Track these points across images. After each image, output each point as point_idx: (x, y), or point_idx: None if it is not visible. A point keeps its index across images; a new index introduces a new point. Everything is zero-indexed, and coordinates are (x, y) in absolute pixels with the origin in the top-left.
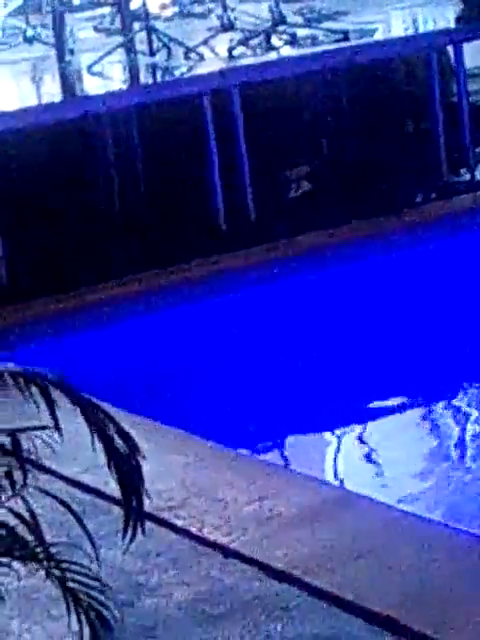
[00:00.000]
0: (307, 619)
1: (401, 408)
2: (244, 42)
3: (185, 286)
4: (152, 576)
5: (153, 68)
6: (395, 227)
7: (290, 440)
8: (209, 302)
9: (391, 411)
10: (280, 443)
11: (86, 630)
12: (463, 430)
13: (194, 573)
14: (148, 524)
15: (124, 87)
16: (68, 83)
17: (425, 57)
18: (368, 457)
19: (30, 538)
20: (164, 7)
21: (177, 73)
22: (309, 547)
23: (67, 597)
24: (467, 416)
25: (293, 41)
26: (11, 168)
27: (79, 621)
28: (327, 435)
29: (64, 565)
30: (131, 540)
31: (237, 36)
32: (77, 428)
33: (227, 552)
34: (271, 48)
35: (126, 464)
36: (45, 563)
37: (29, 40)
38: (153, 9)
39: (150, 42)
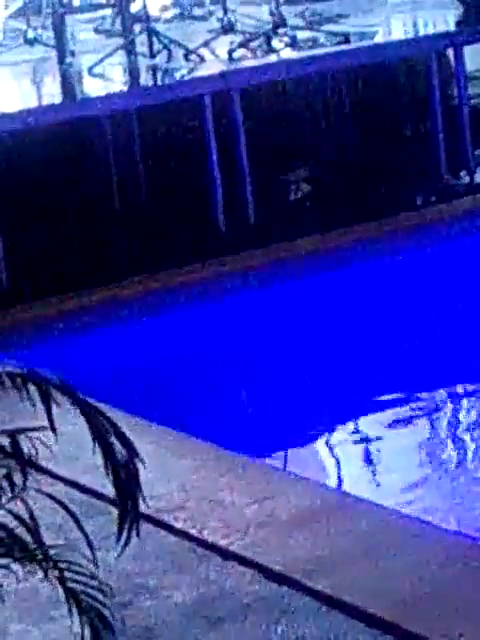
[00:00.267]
0: (306, 622)
1: (401, 411)
2: (244, 44)
3: (184, 289)
4: (151, 578)
5: (153, 70)
6: (395, 230)
7: (289, 443)
8: (208, 305)
9: (390, 414)
10: (279, 446)
11: (87, 631)
12: (462, 433)
13: (193, 575)
14: (147, 526)
15: (124, 89)
16: (68, 85)
17: (425, 60)
18: (367, 460)
19: (29, 540)
20: (165, 9)
21: (177, 75)
22: (308, 550)
23: (68, 598)
24: (467, 419)
25: (293, 44)
26: (11, 169)
27: (80, 622)
28: (326, 438)
29: (63, 566)
30: (125, 544)
31: (237, 38)
32: (77, 429)
33: (226, 554)
34: (271, 50)
35: (124, 469)
36: (44, 564)
37: (30, 42)
38: (154, 11)
39: (150, 44)
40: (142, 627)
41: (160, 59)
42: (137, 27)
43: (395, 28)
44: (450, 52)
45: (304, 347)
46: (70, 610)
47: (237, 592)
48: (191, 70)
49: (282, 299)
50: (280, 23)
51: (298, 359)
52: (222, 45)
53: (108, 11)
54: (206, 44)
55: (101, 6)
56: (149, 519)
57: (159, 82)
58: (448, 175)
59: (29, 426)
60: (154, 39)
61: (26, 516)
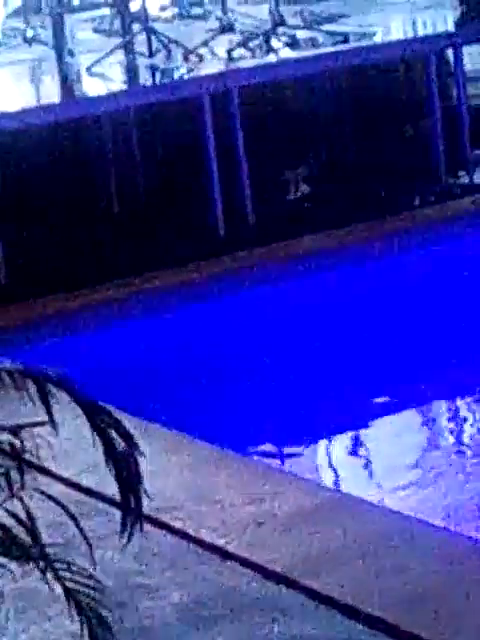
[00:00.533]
0: (304, 621)
1: (399, 411)
2: (243, 44)
3: (183, 288)
4: (149, 578)
5: (152, 69)
6: (393, 230)
7: (287, 443)
8: (207, 305)
9: (389, 414)
10: (277, 446)
11: (85, 630)
12: (461, 434)
13: (191, 575)
14: (145, 526)
15: (123, 88)
16: (67, 84)
17: (424, 60)
18: (365, 460)
19: (27, 539)
20: (164, 8)
21: (176, 75)
22: (306, 550)
23: (66, 597)
24: (466, 420)
25: (293, 43)
26: (10, 168)
27: (79, 621)
28: (324, 438)
29: (60, 566)
30: (129, 539)
31: (236, 38)
32: (76, 429)
33: (224, 554)
34: (270, 50)
35: (125, 463)
36: (41, 564)
37: (29, 41)
38: (153, 11)
39: (149, 43)
40: (140, 626)
41: (159, 59)
42: (136, 26)
43: (394, 28)
44: (449, 52)
45: (303, 346)
46: (69, 609)
47: (234, 591)
48: (190, 70)
49: (281, 299)
50: (279, 23)
51: (297, 358)
52: (221, 45)
53: (107, 11)
54: (205, 44)
55: (100, 6)
56: (147, 518)
57: (158, 82)
58: (447, 175)
59: (30, 422)
60: (153, 39)
61: (24, 515)
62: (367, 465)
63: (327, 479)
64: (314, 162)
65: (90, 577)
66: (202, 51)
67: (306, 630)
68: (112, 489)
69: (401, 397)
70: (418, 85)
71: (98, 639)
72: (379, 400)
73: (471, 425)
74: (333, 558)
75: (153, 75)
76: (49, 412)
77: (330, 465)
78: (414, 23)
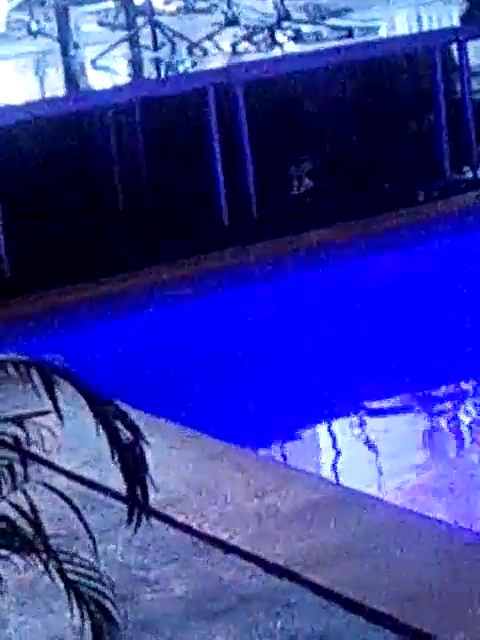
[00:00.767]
0: (306, 615)
1: (402, 405)
2: (248, 38)
3: (187, 281)
4: (152, 571)
5: (157, 63)
6: (397, 225)
7: (291, 437)
8: (211, 298)
9: (392, 408)
10: (281, 440)
11: (88, 622)
12: (464, 430)
13: (194, 568)
14: (148, 519)
15: (128, 82)
16: (72, 77)
17: (429, 55)
18: (368, 454)
19: (30, 531)
20: (168, 2)
21: (181, 68)
22: (309, 544)
23: (68, 589)
24: (468, 414)
25: (297, 37)
26: (15, 161)
27: (81, 614)
28: (327, 432)
29: (63, 558)
30: (135, 530)
31: (241, 32)
32: (80, 422)
33: (227, 548)
34: (275, 44)
35: (130, 453)
36: (44, 556)
37: (33, 34)
38: (157, 4)
39: (154, 37)
40: (143, 619)
41: (163, 52)
42: (141, 20)
43: (399, 23)
44: (454, 47)
45: (306, 340)
46: (70, 602)
47: (237, 585)
48: (194, 63)
49: (284, 292)
50: (284, 17)
51: (300, 352)
52: (226, 38)
53: (112, 4)
54: (210, 37)
55: None
56: (150, 512)
57: (162, 75)
58: (451, 170)
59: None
60: (158, 32)
61: (27, 508)
62: (371, 459)
63: (330, 473)
64: (318, 156)
65: (94, 569)
66: (207, 45)
67: (309, 624)
68: (115, 482)
69: (405, 390)
70: (423, 80)
71: (102, 631)
72: (383, 393)
73: (476, 420)
74: (336, 552)
75: (157, 68)
76: (54, 402)
77: (333, 459)
78: (419, 18)
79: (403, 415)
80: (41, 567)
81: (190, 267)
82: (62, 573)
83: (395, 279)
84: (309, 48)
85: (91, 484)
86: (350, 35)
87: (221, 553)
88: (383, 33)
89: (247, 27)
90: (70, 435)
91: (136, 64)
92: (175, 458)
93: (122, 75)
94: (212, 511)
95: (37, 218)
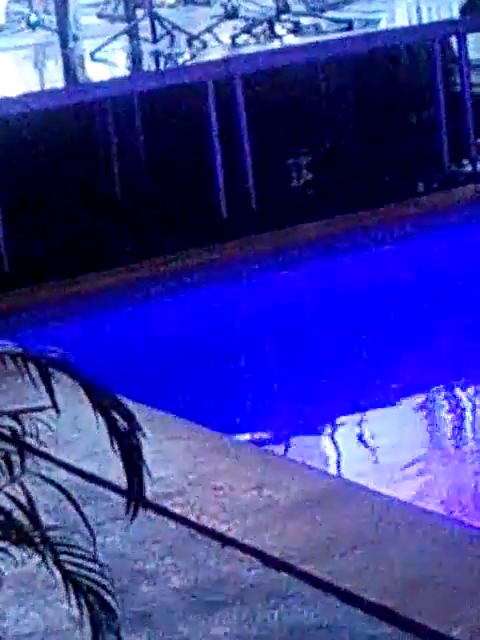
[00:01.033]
0: (304, 608)
1: (401, 398)
2: (247, 30)
3: (186, 274)
4: (150, 563)
5: (156, 55)
6: (396, 217)
7: (289, 429)
8: (210, 290)
9: (391, 401)
10: (279, 432)
11: (86, 614)
12: (463, 422)
13: (191, 561)
14: (147, 512)
15: (127, 74)
16: (71, 69)
17: (428, 47)
18: (367, 447)
19: (27, 523)
20: None
21: (180, 60)
22: (307, 536)
23: (66, 581)
24: (467, 408)
25: (297, 30)
26: (14, 153)
27: (79, 605)
28: (326, 424)
29: (61, 549)
30: (133, 519)
31: (241, 24)
32: (78, 414)
33: (225, 540)
34: (275, 36)
35: (128, 442)
36: (41, 547)
37: (33, 26)
38: None
39: (153, 29)
40: (140, 611)
41: (163, 44)
42: (140, 12)
43: (399, 15)
44: (453, 40)
45: (304, 334)
46: (68, 594)
47: (235, 577)
48: (194, 56)
49: (283, 285)
50: (283, 9)
51: (298, 346)
52: (225, 31)
53: None
54: (209, 30)
55: None
56: (148, 504)
57: (162, 67)
58: (450, 163)
59: (32, 406)
60: (157, 24)
61: (24, 500)
62: (369, 452)
63: (328, 466)
64: (317, 149)
65: (92, 561)
66: (206, 37)
67: (307, 617)
68: (113, 474)
69: (403, 384)
70: (422, 72)
71: (100, 623)
72: (381, 387)
73: (475, 415)
74: (334, 545)
75: (157, 61)
76: (51, 394)
77: (331, 452)
78: (418, 10)
79: (402, 408)
80: (39, 559)
81: (190, 259)
82: (60, 565)
83: (395, 271)
84: (309, 40)
85: (90, 477)
86: (350, 28)
87: (219, 545)
88: (383, 25)
89: (246, 19)
90: (69, 428)
91: (135, 57)
92: (174, 450)
93: (121, 67)
94: (210, 503)
95: (35, 211)
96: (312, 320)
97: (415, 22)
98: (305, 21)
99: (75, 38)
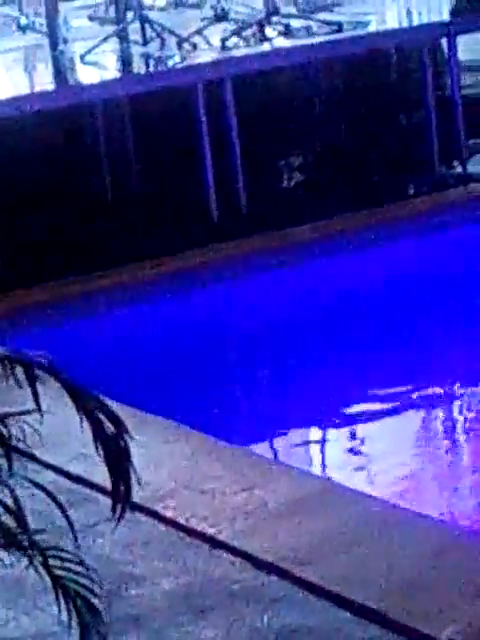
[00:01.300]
0: (294, 611)
1: (392, 401)
2: (237, 32)
3: (176, 276)
4: (139, 566)
5: (146, 58)
6: (386, 219)
7: (278, 432)
8: (200, 293)
9: (381, 403)
10: (268, 435)
11: (74, 618)
12: (455, 424)
13: (181, 564)
14: (135, 515)
15: (117, 76)
16: (61, 72)
17: (419, 49)
18: (357, 450)
19: (14, 526)
20: None
21: (170, 63)
22: (296, 539)
23: (55, 585)
24: (459, 411)
25: (287, 32)
26: (4, 156)
27: (68, 609)
28: (315, 427)
29: (49, 553)
30: (118, 522)
31: (231, 26)
32: (68, 417)
33: (214, 543)
34: (264, 39)
35: (114, 446)
36: (29, 551)
37: (23, 28)
38: None
39: (143, 32)
40: (129, 615)
41: (153, 47)
42: (130, 14)
43: (389, 17)
44: (444, 42)
45: (296, 336)
46: (57, 598)
47: (225, 581)
48: (184, 58)
49: (274, 288)
50: (273, 11)
51: (289, 348)
52: (215, 33)
53: None
54: (199, 32)
55: None
56: (137, 507)
57: (152, 70)
58: (440, 165)
59: (18, 410)
60: (147, 27)
61: (11, 503)
62: (359, 455)
63: (318, 469)
64: (308, 151)
65: (80, 564)
66: (196, 40)
67: (297, 620)
68: (102, 477)
69: (394, 388)
70: (413, 74)
71: (89, 627)
72: (371, 390)
73: (468, 414)
74: (324, 547)
75: (147, 63)
76: (36, 397)
77: (321, 455)
78: (409, 12)
79: (393, 411)
80: (26, 562)
81: (180, 262)
82: (47, 568)
83: (386, 274)
84: (299, 43)
85: (79, 479)
86: (340, 30)
87: (208, 548)
88: (373, 28)
89: (236, 22)
90: (57, 430)
91: (125, 59)
92: (163, 453)
93: (111, 70)
94: (200, 506)
95: (25, 213)
96: (303, 322)
97: (405, 24)
98: (295, 23)
99: (65, 41)
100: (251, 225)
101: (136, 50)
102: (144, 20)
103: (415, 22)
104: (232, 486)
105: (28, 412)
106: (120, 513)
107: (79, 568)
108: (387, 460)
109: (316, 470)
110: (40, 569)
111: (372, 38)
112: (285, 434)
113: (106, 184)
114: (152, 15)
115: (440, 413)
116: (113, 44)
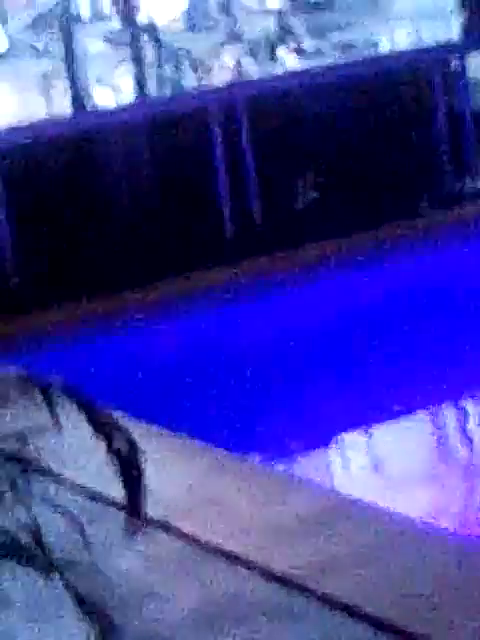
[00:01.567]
0: (313, 626)
1: (405, 415)
2: (251, 54)
3: (193, 295)
4: (158, 583)
5: (161, 80)
6: (400, 236)
7: (296, 447)
8: (216, 311)
9: (395, 417)
10: (286, 450)
11: (92, 635)
12: (467, 437)
13: (199, 580)
14: (153, 531)
15: (132, 99)
16: (77, 96)
17: (429, 68)
18: (373, 464)
19: (33, 545)
20: (173, 20)
21: (184, 85)
22: (314, 553)
23: (74, 603)
24: (472, 423)
25: (299, 53)
26: (23, 179)
27: (86, 626)
28: (332, 442)
29: (66, 569)
30: (132, 538)
31: (244, 48)
32: (86, 435)
33: (232, 558)
34: (277, 60)
35: (127, 464)
36: (47, 568)
37: (39, 54)
38: (162, 22)
39: (158, 54)
40: (149, 631)
41: (167, 69)
42: (145, 38)
43: (399, 37)
44: (454, 60)
45: (309, 352)
46: (76, 615)
47: (243, 596)
48: (198, 80)
49: (288, 305)
50: (286, 33)
51: (303, 364)
52: (229, 55)
53: (116, 23)
54: (213, 54)
55: (110, 18)
56: (156, 523)
57: (166, 92)
58: (452, 181)
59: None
60: (161, 49)
61: (30, 522)
62: (376, 469)
63: (335, 483)
64: (321, 170)
65: (98, 582)
66: (210, 61)
67: (315, 635)
68: (122, 494)
69: (407, 400)
70: (424, 93)
71: None
72: (384, 404)
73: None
74: (342, 562)
75: (161, 86)
76: (54, 417)
77: (336, 469)
78: (419, 32)
79: (406, 424)
80: (44, 581)
81: (196, 281)
82: (66, 585)
83: (400, 289)
84: (311, 63)
85: (99, 497)
86: (351, 50)
87: (227, 564)
88: (384, 47)
89: (249, 43)
90: (77, 448)
91: (140, 82)
92: (181, 469)
93: (127, 93)
94: (217, 522)
95: (44, 235)
96: (317, 339)
97: (415, 43)
98: (307, 45)
99: (80, 65)
100: (265, 243)
101: (151, 73)
102: (158, 43)
103: (425, 42)
104: (250, 502)
105: (44, 429)
106: (134, 528)
107: (97, 585)
108: (401, 474)
109: (333, 484)
110: (58, 586)
111: (383, 58)
112: (301, 449)
113: (122, 205)
114: (167, 38)
115: (455, 426)
116: (128, 67)
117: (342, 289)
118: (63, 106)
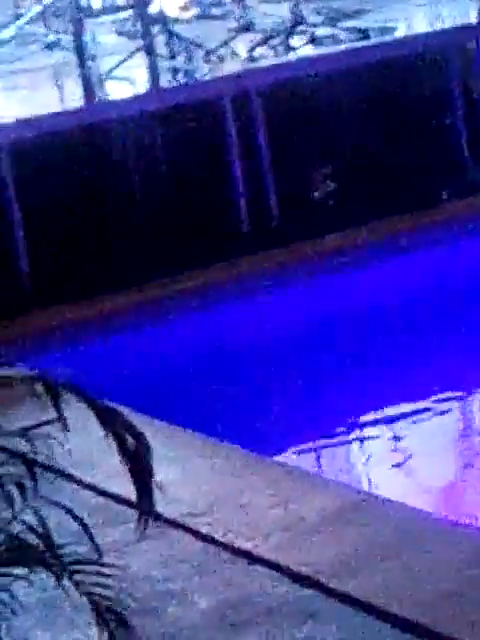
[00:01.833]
0: (333, 624)
1: (425, 411)
2: (264, 43)
3: (210, 289)
4: (176, 583)
5: (173, 71)
6: (419, 226)
7: (313, 444)
8: (233, 305)
9: (415, 413)
10: (304, 447)
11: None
12: None
13: (218, 579)
14: (172, 531)
15: (145, 91)
16: (89, 88)
17: (446, 54)
18: (392, 460)
19: (42, 547)
20: (184, 9)
21: (197, 76)
22: (334, 551)
23: (87, 603)
24: None
25: (313, 41)
26: (34, 174)
27: (100, 628)
28: (351, 439)
29: (77, 570)
30: (142, 534)
31: (257, 37)
32: (102, 436)
33: (251, 558)
34: (291, 48)
35: (137, 461)
36: (58, 570)
37: (50, 46)
38: (173, 12)
39: (170, 45)
40: (168, 632)
41: (180, 60)
42: (156, 28)
43: (415, 22)
44: (471, 45)
45: (328, 348)
46: (90, 617)
47: (262, 595)
48: (211, 70)
49: (306, 298)
50: (299, 20)
51: (321, 358)
52: (242, 44)
53: (127, 13)
54: (225, 44)
55: (121, 8)
56: (174, 523)
57: (179, 83)
58: (472, 169)
59: (45, 429)
60: (173, 40)
61: (38, 523)
62: (395, 466)
63: (353, 480)
64: (338, 159)
65: (111, 582)
66: (223, 51)
67: (335, 634)
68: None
69: (426, 396)
70: (442, 78)
71: None
72: (403, 400)
73: None
74: (362, 560)
75: (174, 77)
76: (60, 416)
77: (358, 466)
78: (435, 17)
79: (427, 420)
80: (55, 583)
81: (212, 274)
82: (77, 586)
83: (419, 280)
84: (325, 51)
85: (116, 498)
86: (366, 37)
87: (246, 563)
88: (400, 33)
89: (262, 32)
90: (93, 449)
91: (153, 73)
92: (198, 468)
93: (139, 84)
94: (236, 521)
95: (58, 231)
96: (336, 333)
97: (431, 29)
98: (321, 32)
99: (92, 57)
100: (283, 235)
101: (163, 64)
102: (170, 33)
103: (443, 26)
104: (268, 500)
105: (48, 422)
106: (144, 526)
107: (108, 583)
108: (422, 470)
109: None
110: (69, 587)
111: (399, 44)
112: (320, 446)
113: (136, 198)
114: (178, 28)
115: (478, 422)
116: (140, 58)
117: (361, 280)
118: (75, 98)
